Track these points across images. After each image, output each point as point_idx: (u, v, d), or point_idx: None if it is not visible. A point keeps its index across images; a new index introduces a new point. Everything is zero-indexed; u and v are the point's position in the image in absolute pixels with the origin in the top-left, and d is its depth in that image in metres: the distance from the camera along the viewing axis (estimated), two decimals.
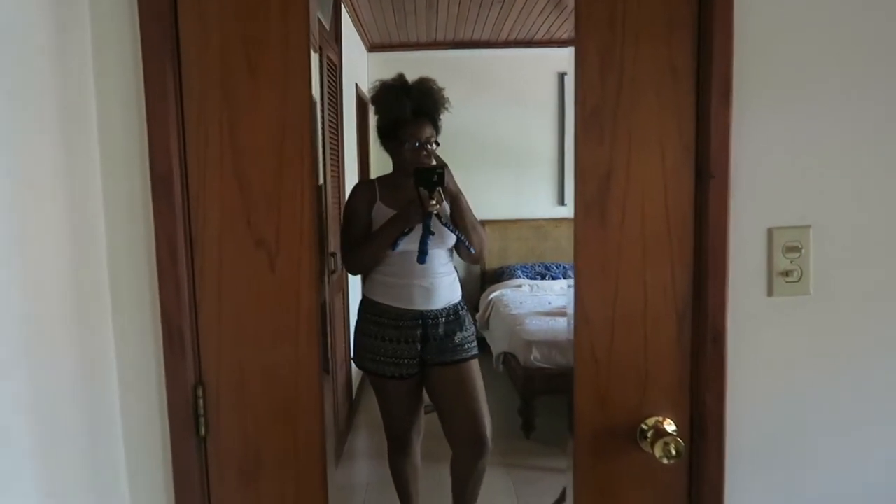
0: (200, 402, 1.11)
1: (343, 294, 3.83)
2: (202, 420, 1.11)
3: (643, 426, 1.13)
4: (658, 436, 1.10)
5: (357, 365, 2.53)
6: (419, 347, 2.35)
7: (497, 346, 3.98)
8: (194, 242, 1.09)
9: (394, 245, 2.23)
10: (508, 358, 3.72)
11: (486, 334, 4.27)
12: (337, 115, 3.66)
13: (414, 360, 2.36)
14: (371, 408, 4.36)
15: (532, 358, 3.43)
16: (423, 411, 2.56)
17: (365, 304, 2.43)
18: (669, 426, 1.13)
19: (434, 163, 2.21)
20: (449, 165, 2.17)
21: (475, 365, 2.43)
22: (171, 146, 1.05)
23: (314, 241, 1.12)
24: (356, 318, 2.48)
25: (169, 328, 1.08)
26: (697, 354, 1.12)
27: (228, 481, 1.14)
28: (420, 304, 2.32)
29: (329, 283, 3.37)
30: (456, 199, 2.20)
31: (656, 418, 1.13)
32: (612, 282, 1.13)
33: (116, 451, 1.11)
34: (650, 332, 1.13)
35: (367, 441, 3.80)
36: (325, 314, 1.16)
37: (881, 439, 1.16)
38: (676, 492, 1.16)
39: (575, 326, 1.13)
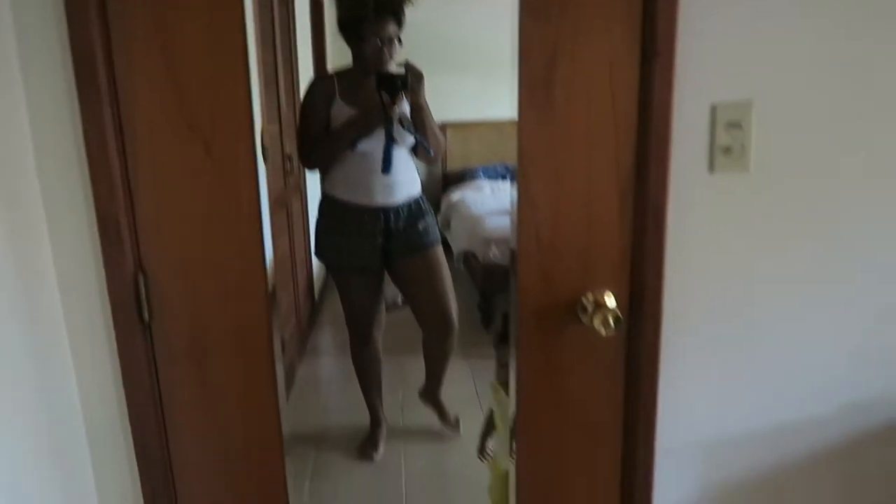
0: (142, 289, 1.10)
1: (301, 195, 3.78)
2: (145, 306, 1.11)
3: (584, 301, 1.16)
4: (598, 309, 1.14)
5: (320, 260, 2.55)
6: (381, 241, 2.37)
7: (458, 245, 4.02)
8: (124, 126, 1.05)
9: (352, 146, 2.22)
10: (468, 256, 3.78)
11: (447, 234, 4.30)
12: (288, 9, 3.48)
13: (376, 254, 2.39)
14: (333, 307, 4.44)
15: (491, 255, 3.48)
16: (384, 306, 2.61)
17: (325, 200, 2.42)
18: (609, 299, 1.16)
19: (402, 68, 2.16)
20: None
21: (439, 251, 2.49)
22: (91, 24, 0.99)
23: (252, 126, 1.09)
24: (317, 214, 2.48)
25: (104, 216, 1.05)
26: (638, 231, 1.14)
27: (176, 367, 1.15)
28: (381, 200, 2.32)
29: (286, 184, 3.32)
30: (418, 104, 2.17)
31: (597, 292, 1.16)
32: (555, 163, 1.12)
33: (61, 344, 1.10)
34: (593, 212, 1.14)
35: (330, 338, 3.88)
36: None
37: (816, 311, 1.22)
38: (615, 362, 1.21)
39: (518, 209, 1.13)
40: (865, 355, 1.24)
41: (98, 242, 1.07)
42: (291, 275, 3.37)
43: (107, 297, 1.09)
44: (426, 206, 2.46)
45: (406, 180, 2.36)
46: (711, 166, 1.13)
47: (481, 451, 1.86)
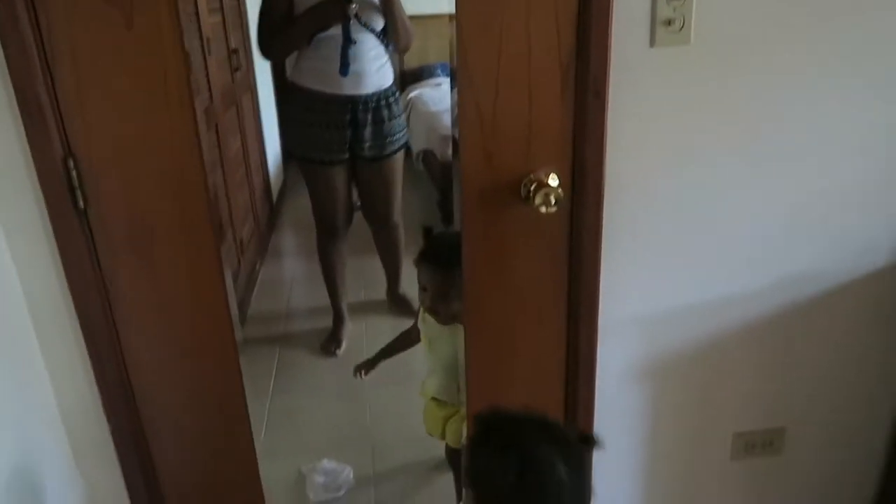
0: (74, 174, 1.07)
1: (252, 92, 3.65)
2: (79, 192, 1.08)
3: (527, 181, 1.17)
4: (540, 188, 1.14)
5: (290, 151, 2.54)
6: (349, 134, 2.33)
7: (416, 144, 3.97)
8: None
9: (309, 41, 2.16)
10: (427, 154, 3.74)
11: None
12: None
13: (344, 146, 2.35)
14: (294, 209, 4.40)
15: (449, 152, 3.45)
16: (352, 202, 2.61)
17: (293, 90, 2.35)
18: (552, 180, 1.17)
19: None
20: None
21: (399, 157, 2.50)
22: None
23: (174, 3, 1.02)
24: (285, 105, 2.44)
25: (24, 97, 1.00)
26: (580, 108, 1.13)
27: (118, 256, 1.14)
28: (349, 89, 2.27)
29: (234, 80, 3.19)
30: None
31: (540, 172, 1.16)
32: (495, 37, 1.09)
33: None
34: (534, 88, 1.12)
35: (292, 240, 3.87)
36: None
37: (754, 185, 1.24)
38: (559, 243, 1.23)
39: (459, 86, 1.11)
40: (799, 229, 1.28)
41: (22, 126, 1.02)
42: (246, 175, 3.30)
43: (37, 182, 1.05)
44: (395, 100, 2.42)
45: (374, 69, 2.29)
46: (653, 40, 1.11)
47: (367, 367, 1.87)
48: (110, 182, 1.09)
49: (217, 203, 2.71)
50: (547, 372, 1.34)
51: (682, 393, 1.40)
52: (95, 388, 1.20)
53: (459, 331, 1.36)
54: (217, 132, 2.73)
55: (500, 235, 1.21)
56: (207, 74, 2.66)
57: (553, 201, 1.13)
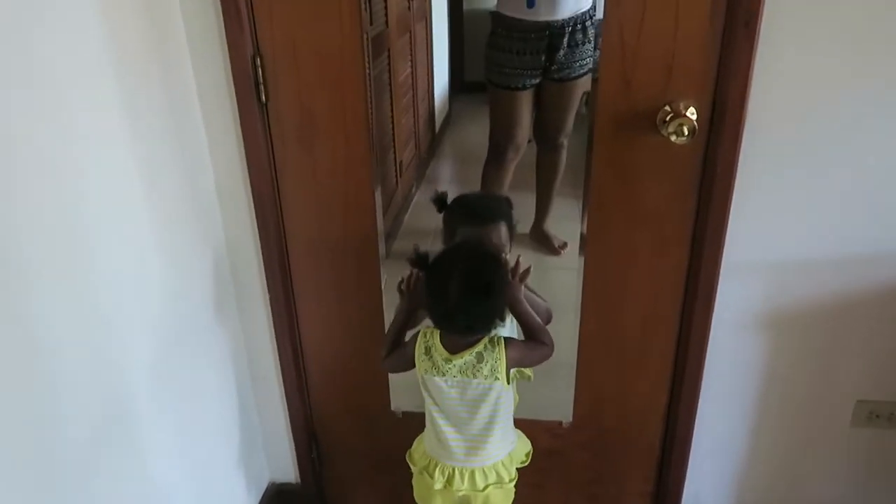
0: (260, 71, 1.25)
1: (426, 21, 3.79)
2: (262, 87, 1.26)
3: (663, 111, 1.18)
4: (675, 118, 1.15)
5: (486, 77, 2.64)
6: (543, 59, 2.40)
7: None
8: None
9: None
10: None
11: None
12: None
13: (538, 72, 2.43)
14: (456, 138, 4.56)
15: None
16: (530, 130, 2.68)
17: (494, 18, 2.46)
18: (690, 112, 1.17)
19: None
20: None
21: (586, 80, 2.50)
22: None
23: None
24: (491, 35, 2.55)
25: (226, 3, 1.19)
26: (728, 37, 1.12)
27: (288, 143, 1.32)
28: (545, 15, 2.32)
29: (410, 7, 3.34)
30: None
31: (678, 103, 1.17)
32: None
33: (196, 123, 1.29)
34: (682, 13, 1.12)
35: (449, 168, 4.03)
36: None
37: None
38: (690, 174, 1.24)
39: (605, 6, 1.14)
40: None
41: (223, 28, 1.21)
42: (413, 101, 3.48)
43: (231, 75, 1.25)
44: (593, 25, 2.43)
45: None
46: None
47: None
48: (288, 81, 1.26)
49: (383, 123, 2.92)
50: (663, 305, 1.37)
51: (803, 350, 1.37)
52: (261, 258, 1.42)
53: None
54: (389, 57, 2.91)
55: (629, 162, 1.24)
56: (385, 1, 2.83)
57: (685, 132, 1.14)
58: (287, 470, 1.68)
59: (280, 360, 1.53)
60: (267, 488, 1.69)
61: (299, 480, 1.69)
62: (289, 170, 1.35)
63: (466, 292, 1.12)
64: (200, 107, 1.29)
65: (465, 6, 5.06)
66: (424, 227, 3.33)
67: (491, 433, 1.23)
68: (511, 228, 1.38)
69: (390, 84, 3.02)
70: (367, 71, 1.26)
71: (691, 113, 1.17)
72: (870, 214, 1.23)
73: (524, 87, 2.48)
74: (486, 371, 1.19)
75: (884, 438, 1.42)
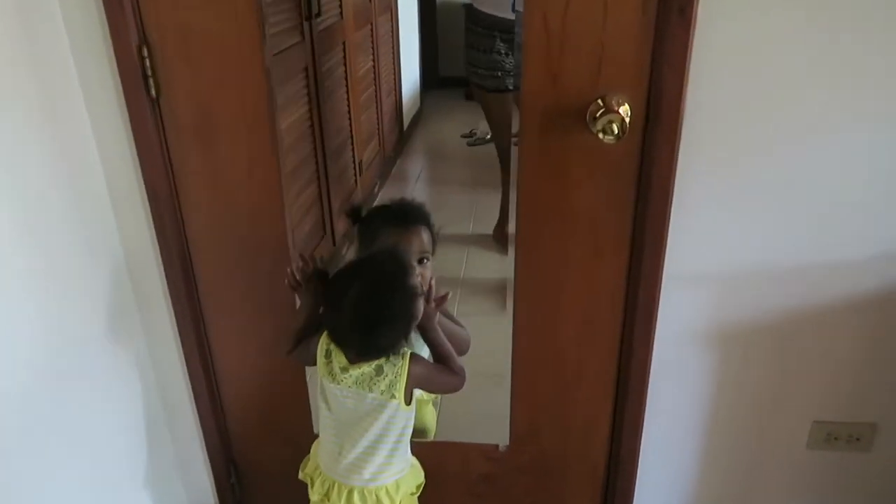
0: (147, 62, 1.12)
1: (392, 14, 3.65)
2: (151, 81, 1.13)
3: (594, 106, 1.06)
4: (605, 114, 1.04)
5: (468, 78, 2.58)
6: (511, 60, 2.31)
7: None
8: None
9: None
10: None
11: None
12: None
13: (505, 75, 2.33)
14: (427, 135, 4.43)
15: None
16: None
17: (469, 13, 2.37)
18: (622, 107, 1.05)
19: None
20: None
21: None
22: None
23: None
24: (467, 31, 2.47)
25: None
26: (662, 25, 1.00)
27: (185, 142, 1.19)
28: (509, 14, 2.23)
29: (372, 0, 3.21)
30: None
31: (610, 98, 1.05)
32: None
33: (81, 120, 1.16)
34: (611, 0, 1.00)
35: (417, 167, 3.90)
36: None
37: (862, 135, 1.05)
38: (626, 176, 1.12)
39: None
40: None
41: (103, 11, 1.08)
42: (375, 97, 3.35)
43: (116, 67, 1.12)
44: None
45: None
46: None
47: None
48: (181, 73, 1.13)
49: (338, 120, 2.79)
50: (602, 318, 1.25)
51: (754, 366, 1.26)
52: (165, 280, 1.29)
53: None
54: (345, 50, 2.78)
55: (560, 163, 1.12)
56: None
57: (614, 129, 1.02)
58: (206, 498, 1.55)
59: (191, 381, 1.40)
60: None
61: None
62: (188, 170, 1.22)
63: (360, 320, 1.01)
64: (85, 103, 1.16)
65: None
66: None
67: (374, 453, 1.12)
68: (433, 235, 1.26)
69: (346, 79, 2.89)
70: (265, 64, 1.13)
71: (624, 110, 1.05)
72: (823, 221, 1.12)
73: (508, 89, 2.39)
74: (382, 386, 1.07)
75: (843, 461, 1.32)
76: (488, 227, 2.90)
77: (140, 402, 1.37)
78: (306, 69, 2.32)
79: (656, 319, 1.21)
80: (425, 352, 1.21)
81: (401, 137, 4.13)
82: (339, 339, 1.08)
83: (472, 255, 2.76)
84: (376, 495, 1.16)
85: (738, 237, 1.15)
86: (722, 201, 1.12)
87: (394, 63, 3.80)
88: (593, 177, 1.13)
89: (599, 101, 1.06)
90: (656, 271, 1.17)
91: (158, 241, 1.25)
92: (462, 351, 1.32)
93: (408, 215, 1.26)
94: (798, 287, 1.18)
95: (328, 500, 1.18)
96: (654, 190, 1.11)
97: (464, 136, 4.12)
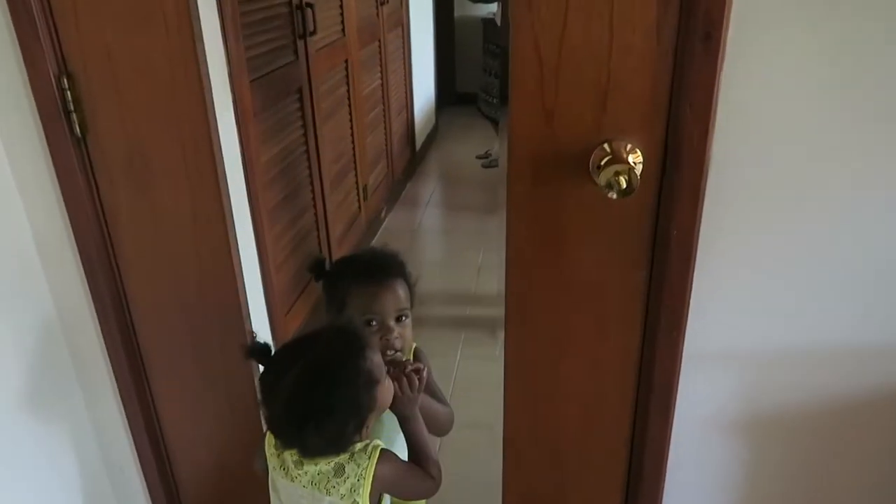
0: (69, 94, 0.95)
1: (403, 29, 3.48)
2: (74, 117, 0.96)
3: (598, 152, 0.86)
4: (610, 164, 0.84)
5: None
6: None
7: None
8: None
9: None
10: None
11: None
12: None
13: None
14: (442, 155, 4.26)
15: None
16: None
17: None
18: (633, 155, 0.85)
19: None
20: None
21: None
22: None
23: None
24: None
25: (14, 5, 0.89)
26: (682, 54, 0.80)
27: (118, 187, 1.02)
28: None
29: (379, 15, 3.05)
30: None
31: (618, 142, 0.85)
32: None
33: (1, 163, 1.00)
34: (618, 21, 0.80)
35: (426, 189, 3.72)
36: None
37: None
38: (638, 236, 0.92)
39: (512, 10, 0.82)
40: None
41: (15, 35, 0.91)
42: (383, 116, 3.17)
43: (34, 101, 0.95)
44: None
45: None
46: None
47: None
48: (107, 107, 0.97)
49: (338, 144, 2.62)
50: (610, 401, 1.04)
51: (788, 461, 1.04)
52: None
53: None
54: (347, 69, 2.61)
55: (556, 219, 0.92)
56: (342, 6, 2.53)
57: (622, 184, 0.82)
58: None
59: (137, 449, 1.22)
60: None
61: None
62: (122, 220, 1.04)
63: (290, 412, 0.82)
64: (4, 144, 0.99)
65: (457, 12, 4.75)
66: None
67: None
68: (410, 287, 1.07)
69: (349, 99, 2.72)
70: (203, 88, 0.95)
71: (635, 157, 0.85)
72: (874, 294, 0.90)
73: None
74: (343, 489, 0.88)
75: None
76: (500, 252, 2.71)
77: (79, 472, 1.20)
78: (300, 90, 2.17)
79: (674, 406, 1.00)
80: (400, 439, 1.03)
81: (413, 158, 3.96)
82: (274, 432, 0.90)
83: (483, 283, 2.57)
84: None
85: (773, 310, 0.93)
86: (753, 267, 0.91)
87: (405, 80, 3.64)
88: (597, 235, 0.93)
89: (605, 146, 0.86)
90: (675, 349, 0.96)
91: (93, 298, 1.08)
92: (444, 431, 1.14)
93: (380, 268, 1.07)
94: (844, 369, 0.96)
95: None
96: (673, 252, 0.90)
97: (479, 157, 3.95)
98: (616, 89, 0.84)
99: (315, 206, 2.36)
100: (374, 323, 1.01)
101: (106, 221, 1.04)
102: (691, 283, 0.92)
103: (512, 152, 0.90)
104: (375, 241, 3.06)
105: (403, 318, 1.05)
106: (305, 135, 2.23)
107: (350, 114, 2.69)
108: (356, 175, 2.81)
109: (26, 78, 0.94)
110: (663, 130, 0.85)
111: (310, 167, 2.27)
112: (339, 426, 0.85)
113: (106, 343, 1.12)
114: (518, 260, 0.96)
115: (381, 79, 3.12)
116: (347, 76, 2.63)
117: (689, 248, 0.89)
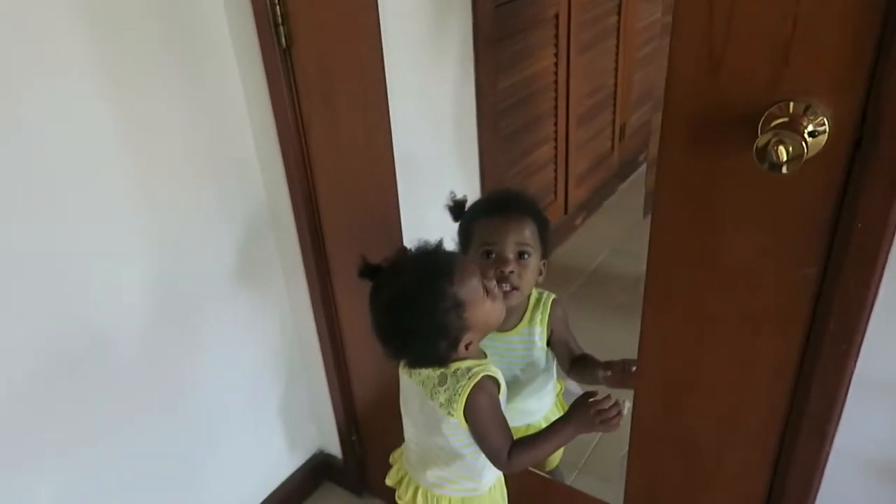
0: (278, 9, 1.06)
1: None
2: (282, 30, 1.07)
3: (772, 112, 0.71)
4: (781, 129, 0.68)
5: None
6: None
7: None
8: None
9: None
10: None
11: None
12: None
13: None
14: None
15: None
16: None
17: None
18: (815, 122, 0.68)
19: None
20: None
21: None
22: None
23: None
24: None
25: None
26: None
27: (312, 98, 1.12)
28: None
29: None
30: None
31: (798, 101, 0.69)
32: None
33: (232, 76, 1.17)
34: None
35: None
36: None
37: None
38: (812, 224, 0.75)
39: None
40: None
41: None
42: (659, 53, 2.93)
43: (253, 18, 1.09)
44: None
45: None
46: None
47: None
48: (305, 26, 1.06)
49: (597, 77, 2.49)
50: (753, 410, 0.90)
51: None
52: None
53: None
54: None
55: (713, 192, 0.79)
56: None
57: (782, 156, 0.67)
58: (334, 447, 1.58)
59: (318, 334, 1.40)
60: (314, 455, 1.62)
61: (342, 458, 1.58)
62: (315, 130, 1.16)
63: (376, 327, 0.92)
64: (235, 56, 1.15)
65: None
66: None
67: (436, 460, 1.01)
68: (542, 230, 1.03)
69: (618, 30, 2.57)
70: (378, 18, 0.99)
71: (816, 125, 0.68)
72: None
73: None
74: (442, 398, 0.93)
75: None
76: None
77: (280, 341, 1.43)
78: (556, 16, 2.09)
79: (833, 434, 0.83)
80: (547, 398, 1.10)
81: None
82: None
83: None
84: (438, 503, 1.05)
85: None
86: None
87: None
88: (761, 217, 0.77)
89: (782, 104, 0.70)
90: (842, 365, 0.78)
91: (291, 199, 1.24)
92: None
93: (506, 202, 1.06)
94: None
95: (400, 487, 1.12)
96: (855, 248, 0.72)
97: None
98: (804, 37, 0.67)
99: (556, 139, 2.32)
100: (492, 255, 1.00)
101: (304, 129, 1.16)
102: (875, 290, 0.73)
103: (667, 108, 0.78)
104: (627, 185, 2.92)
105: (525, 255, 1.02)
106: (556, 64, 2.18)
107: (617, 47, 2.54)
108: (614, 112, 2.68)
109: None
110: (862, 95, 0.66)
111: (556, 98, 2.23)
112: (429, 345, 0.90)
113: (299, 237, 1.28)
114: (664, 235, 0.85)
115: (663, 13, 2.87)
116: (619, 6, 2.48)
117: (877, 246, 0.71)
